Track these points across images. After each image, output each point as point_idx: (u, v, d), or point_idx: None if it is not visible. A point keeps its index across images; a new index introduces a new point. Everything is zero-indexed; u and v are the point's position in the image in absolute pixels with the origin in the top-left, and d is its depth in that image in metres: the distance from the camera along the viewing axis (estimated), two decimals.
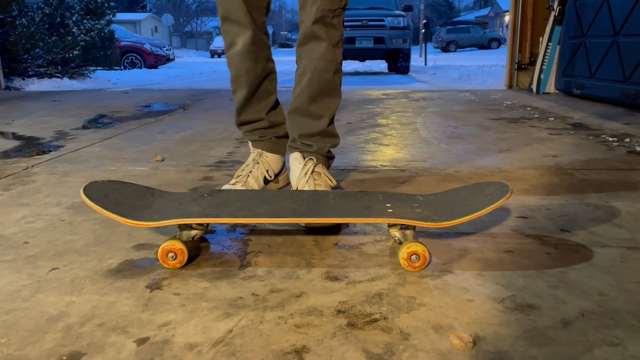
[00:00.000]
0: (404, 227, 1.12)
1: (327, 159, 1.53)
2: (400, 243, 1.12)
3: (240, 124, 1.60)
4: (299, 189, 1.43)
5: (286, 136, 1.60)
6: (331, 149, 1.52)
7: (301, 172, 1.44)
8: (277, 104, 1.60)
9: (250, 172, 1.51)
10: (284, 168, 1.62)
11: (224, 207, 1.14)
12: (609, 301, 0.92)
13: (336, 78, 1.45)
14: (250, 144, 1.61)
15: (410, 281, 1.01)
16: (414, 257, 1.05)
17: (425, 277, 1.03)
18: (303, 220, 1.14)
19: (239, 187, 1.46)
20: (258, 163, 1.53)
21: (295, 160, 1.48)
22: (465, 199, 1.16)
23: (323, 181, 1.43)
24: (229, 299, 0.95)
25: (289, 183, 1.64)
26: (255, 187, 1.49)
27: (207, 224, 1.22)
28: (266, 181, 1.54)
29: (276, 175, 1.58)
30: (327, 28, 1.39)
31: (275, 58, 1.60)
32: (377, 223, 1.27)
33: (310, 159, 1.46)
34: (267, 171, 1.53)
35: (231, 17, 1.43)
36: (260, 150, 1.56)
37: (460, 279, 1.01)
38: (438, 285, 0.99)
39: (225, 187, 1.47)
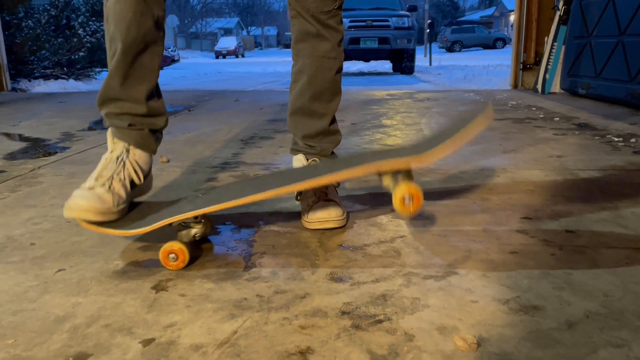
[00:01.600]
0: (395, 174, 1.08)
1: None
2: None
3: (104, 101, 1.24)
4: (302, 192, 1.42)
5: (160, 131, 1.32)
6: (334, 150, 1.51)
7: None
8: (158, 90, 1.30)
9: (117, 173, 1.19)
10: (150, 169, 1.31)
11: (216, 200, 1.14)
12: (614, 302, 0.92)
13: (338, 76, 1.43)
14: (110, 133, 1.25)
15: (415, 282, 1.01)
16: (406, 198, 1.02)
17: (429, 278, 1.03)
18: (293, 188, 1.09)
19: (104, 195, 1.13)
20: (124, 163, 1.21)
21: (299, 162, 1.45)
22: (449, 130, 1.11)
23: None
24: (233, 300, 0.95)
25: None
26: (122, 193, 1.17)
27: (206, 222, 1.22)
28: (133, 185, 1.23)
29: (145, 177, 1.27)
30: (326, 29, 1.36)
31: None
32: (364, 175, 1.19)
33: (313, 160, 1.45)
34: (135, 172, 1.23)
35: None
36: (126, 145, 1.23)
37: (465, 280, 1.01)
38: (442, 286, 0.99)
39: (84, 195, 1.13)
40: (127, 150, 1.23)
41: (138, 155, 1.24)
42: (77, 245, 1.23)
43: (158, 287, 1.01)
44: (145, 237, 1.27)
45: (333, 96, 1.43)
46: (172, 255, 1.07)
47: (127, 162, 1.21)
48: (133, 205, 1.25)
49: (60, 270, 1.10)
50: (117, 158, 1.22)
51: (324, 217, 1.30)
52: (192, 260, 1.12)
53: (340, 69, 1.42)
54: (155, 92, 1.27)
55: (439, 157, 1.03)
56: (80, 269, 1.10)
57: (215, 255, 1.17)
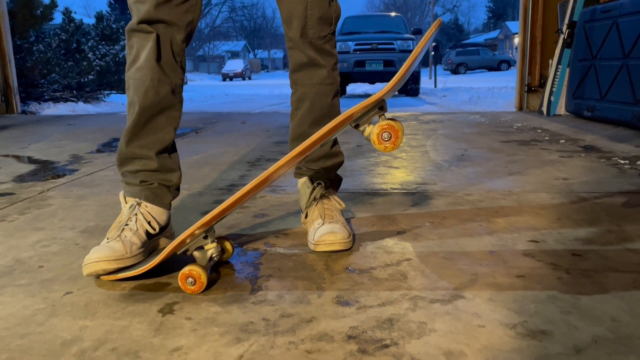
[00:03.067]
0: (371, 120, 1.09)
1: (335, 182, 1.53)
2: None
3: (123, 161, 1.30)
4: (308, 215, 1.43)
5: (177, 188, 1.35)
6: (338, 173, 1.52)
7: (310, 197, 1.44)
8: (173, 148, 1.35)
9: (127, 224, 1.23)
10: (170, 223, 1.35)
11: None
12: (622, 327, 0.91)
13: (336, 100, 1.44)
14: (122, 195, 1.31)
15: (421, 306, 1.01)
16: (385, 134, 1.03)
17: (436, 302, 1.03)
18: (290, 158, 1.08)
19: (113, 244, 1.17)
20: (136, 214, 1.25)
21: (304, 185, 1.46)
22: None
23: (333, 205, 1.43)
24: (240, 324, 0.95)
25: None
26: (136, 241, 1.20)
27: (222, 242, 1.23)
28: (149, 235, 1.25)
29: (162, 229, 1.29)
30: (322, 54, 1.38)
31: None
32: (343, 126, 1.12)
33: (318, 183, 1.45)
34: (149, 223, 1.25)
35: (141, 29, 1.23)
36: (137, 200, 1.27)
37: (472, 304, 1.01)
38: (449, 310, 0.99)
39: (95, 249, 1.17)
40: (139, 203, 1.27)
41: (150, 207, 1.28)
42: None
43: (164, 310, 1.01)
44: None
45: (332, 119, 1.43)
46: (190, 280, 1.08)
47: (139, 213, 1.25)
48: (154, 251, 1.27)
49: (67, 293, 1.10)
50: (130, 208, 1.26)
51: (330, 239, 1.30)
52: (211, 284, 1.13)
53: (337, 92, 1.44)
54: (168, 150, 1.32)
55: (398, 79, 1.03)
56: (88, 291, 1.11)
57: (222, 277, 1.18)
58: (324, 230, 1.32)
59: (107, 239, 1.21)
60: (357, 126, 1.10)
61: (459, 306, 1.01)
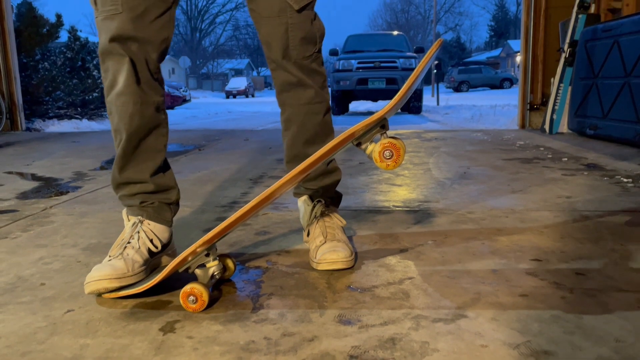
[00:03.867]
0: (372, 137, 1.08)
1: (336, 199, 1.52)
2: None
3: (117, 186, 1.31)
4: (310, 233, 1.43)
5: (176, 204, 1.36)
6: (338, 189, 1.51)
7: (311, 215, 1.43)
8: (166, 165, 1.35)
9: (129, 242, 1.23)
10: (172, 240, 1.35)
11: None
12: (626, 348, 0.90)
13: (328, 117, 1.41)
14: (124, 213, 1.32)
15: (424, 325, 1.00)
16: (386, 153, 1.03)
17: (438, 321, 1.02)
18: (292, 175, 1.08)
19: (115, 262, 1.17)
20: (139, 232, 1.25)
21: (304, 203, 1.46)
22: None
23: (334, 223, 1.43)
24: (241, 343, 0.95)
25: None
26: (138, 259, 1.20)
27: (224, 260, 1.23)
28: (151, 253, 1.25)
29: (164, 247, 1.29)
30: (309, 74, 1.34)
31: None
32: (345, 144, 1.13)
33: (318, 201, 1.44)
34: (151, 241, 1.25)
35: (114, 50, 1.20)
36: (139, 217, 1.28)
37: (474, 324, 1.01)
38: (451, 330, 0.98)
39: (97, 267, 1.17)
40: (141, 221, 1.27)
41: (152, 225, 1.28)
42: None
43: (166, 329, 1.01)
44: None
45: (326, 137, 1.41)
46: (191, 298, 1.07)
47: (142, 231, 1.25)
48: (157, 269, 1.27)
49: (69, 310, 1.10)
50: (132, 226, 1.27)
51: (333, 258, 1.30)
52: (213, 302, 1.13)
53: (327, 109, 1.40)
54: (161, 169, 1.32)
55: (399, 98, 1.04)
56: (89, 309, 1.11)
57: (223, 296, 1.17)
58: (326, 249, 1.32)
59: (109, 257, 1.21)
60: (359, 144, 1.10)
61: (461, 325, 1.00)
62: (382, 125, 1.08)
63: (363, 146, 1.10)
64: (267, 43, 1.33)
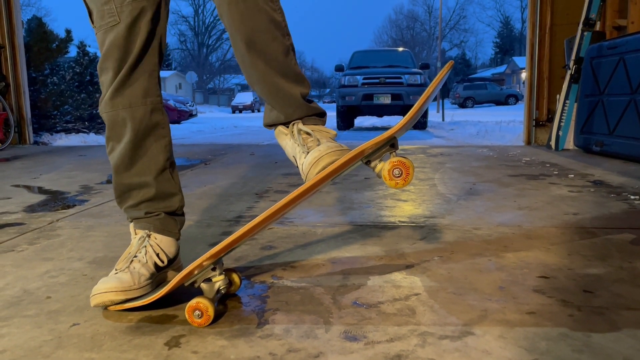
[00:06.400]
0: (382, 156, 1.08)
1: (316, 116, 1.26)
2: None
3: (121, 196, 1.29)
4: (299, 163, 1.23)
5: (181, 213, 1.34)
6: (313, 105, 1.26)
7: (293, 143, 1.23)
8: (172, 167, 1.31)
9: (135, 256, 1.22)
10: (178, 255, 1.33)
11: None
12: None
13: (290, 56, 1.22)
14: (131, 227, 1.30)
15: (430, 342, 0.99)
16: (395, 171, 1.03)
17: (445, 338, 1.01)
18: (302, 190, 1.05)
19: (121, 275, 1.18)
20: (145, 246, 1.24)
21: (281, 134, 1.27)
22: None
23: (318, 136, 1.21)
24: (246, 359, 0.94)
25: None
26: (144, 272, 1.20)
27: (230, 274, 1.22)
28: (158, 268, 1.24)
29: (170, 262, 1.28)
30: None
31: None
32: (354, 162, 1.10)
33: (293, 122, 1.24)
34: (157, 255, 1.24)
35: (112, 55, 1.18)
36: (146, 231, 1.26)
37: (482, 341, 1.00)
38: (458, 347, 0.98)
39: (103, 279, 1.18)
40: (149, 235, 1.26)
41: (159, 239, 1.26)
42: None
43: (171, 344, 1.01)
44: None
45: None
46: (197, 312, 1.07)
47: (149, 245, 1.24)
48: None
49: (74, 324, 1.10)
50: (139, 240, 1.25)
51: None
52: (218, 317, 1.12)
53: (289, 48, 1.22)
54: (164, 168, 1.28)
55: (409, 118, 1.04)
56: (95, 323, 1.10)
57: (229, 311, 1.17)
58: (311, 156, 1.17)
59: (116, 270, 1.21)
60: (368, 162, 1.10)
61: (468, 343, 0.99)
62: (391, 144, 1.08)
63: (372, 164, 1.10)
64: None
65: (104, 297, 1.13)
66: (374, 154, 1.09)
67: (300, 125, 1.22)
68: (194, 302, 1.07)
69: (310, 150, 1.18)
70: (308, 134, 1.21)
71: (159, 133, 1.27)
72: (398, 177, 1.05)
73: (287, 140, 1.25)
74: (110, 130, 1.24)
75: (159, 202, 1.28)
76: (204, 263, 1.10)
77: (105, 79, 1.22)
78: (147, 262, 1.22)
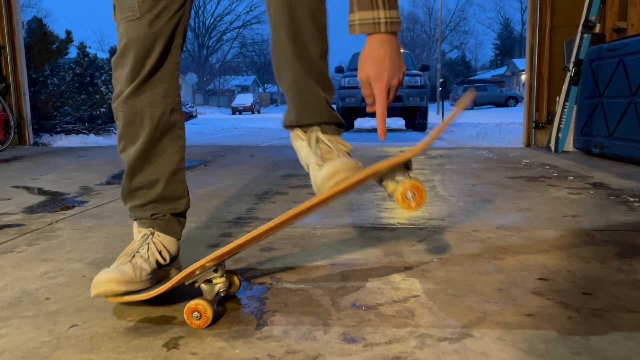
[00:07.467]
0: (395, 177, 1.07)
1: (335, 125, 1.22)
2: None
3: (129, 192, 1.29)
4: (311, 174, 1.20)
5: (184, 215, 1.35)
6: (335, 113, 1.22)
7: (309, 151, 1.20)
8: (182, 170, 1.32)
9: (138, 252, 1.22)
10: (178, 256, 1.33)
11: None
12: None
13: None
14: (135, 226, 1.30)
15: (429, 344, 0.99)
16: (409, 193, 1.02)
17: (444, 340, 1.01)
18: (315, 202, 1.05)
19: (123, 267, 1.18)
20: (148, 243, 1.24)
21: (297, 138, 1.23)
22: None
23: (335, 148, 1.18)
24: None
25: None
26: (146, 267, 1.20)
27: (231, 277, 1.22)
28: (159, 265, 1.24)
29: (172, 260, 1.28)
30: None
31: None
32: (367, 181, 1.11)
33: (312, 130, 1.20)
34: (160, 252, 1.24)
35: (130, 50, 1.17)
36: (150, 229, 1.27)
37: (480, 343, 1.00)
38: (457, 349, 0.98)
39: (105, 270, 1.18)
40: (152, 233, 1.26)
41: (162, 237, 1.27)
42: (91, 301, 1.23)
43: (169, 345, 1.01)
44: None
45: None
46: (195, 314, 1.07)
47: (152, 243, 1.24)
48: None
49: (73, 325, 1.10)
50: (142, 237, 1.25)
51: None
52: (217, 318, 1.12)
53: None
54: (177, 171, 1.29)
55: (427, 144, 1.04)
56: (93, 324, 1.10)
57: (228, 312, 1.17)
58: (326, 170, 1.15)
59: (118, 261, 1.20)
60: (380, 180, 1.10)
61: (467, 345, 0.99)
62: (406, 166, 1.08)
63: (384, 183, 1.09)
64: None
65: (105, 286, 1.12)
66: (388, 174, 1.09)
67: (320, 134, 1.19)
68: (192, 303, 1.07)
69: (324, 163, 1.16)
70: (325, 144, 1.19)
71: (176, 133, 1.27)
72: (411, 200, 1.04)
73: (303, 146, 1.22)
74: (125, 128, 1.24)
75: (166, 204, 1.29)
76: (207, 264, 1.10)
77: (121, 75, 1.21)
78: (149, 258, 1.22)
